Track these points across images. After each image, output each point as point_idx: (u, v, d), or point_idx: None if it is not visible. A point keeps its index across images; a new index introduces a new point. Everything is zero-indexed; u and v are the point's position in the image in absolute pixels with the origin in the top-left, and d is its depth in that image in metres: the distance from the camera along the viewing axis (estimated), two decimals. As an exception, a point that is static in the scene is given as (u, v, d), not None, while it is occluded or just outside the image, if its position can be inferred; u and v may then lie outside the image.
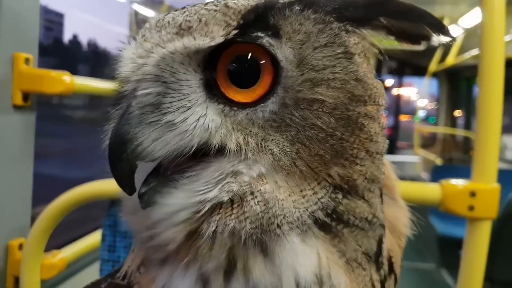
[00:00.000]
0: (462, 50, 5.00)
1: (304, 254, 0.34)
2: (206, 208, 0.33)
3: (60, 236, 1.48)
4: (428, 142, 7.63)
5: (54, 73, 1.24)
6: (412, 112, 9.91)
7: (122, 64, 0.36)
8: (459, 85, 7.21)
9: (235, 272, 0.33)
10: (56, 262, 1.25)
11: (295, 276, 0.34)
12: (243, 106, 0.35)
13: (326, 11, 0.35)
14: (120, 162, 0.34)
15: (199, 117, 0.34)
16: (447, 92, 7.48)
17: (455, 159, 6.26)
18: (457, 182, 1.07)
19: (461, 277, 1.07)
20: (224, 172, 0.34)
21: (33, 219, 1.23)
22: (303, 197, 0.34)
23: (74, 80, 1.28)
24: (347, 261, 0.36)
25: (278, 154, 0.34)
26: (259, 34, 0.34)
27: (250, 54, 0.34)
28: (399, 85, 8.35)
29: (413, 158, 6.57)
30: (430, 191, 1.09)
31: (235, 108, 0.35)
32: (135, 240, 0.41)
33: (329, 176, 0.34)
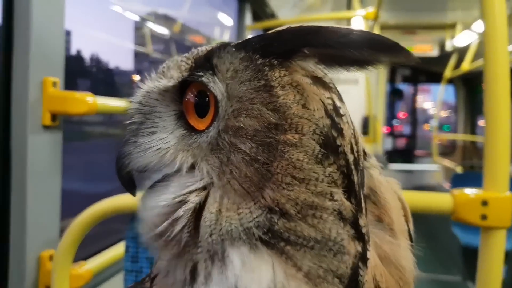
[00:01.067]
0: (477, 55, 4.96)
1: (252, 270, 0.37)
2: (157, 215, 0.41)
3: (88, 248, 1.55)
4: (448, 150, 7.52)
5: (78, 94, 1.32)
6: (426, 120, 9.78)
7: (131, 102, 0.46)
8: (476, 91, 7.12)
9: (198, 280, 0.39)
10: (83, 273, 1.31)
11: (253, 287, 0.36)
12: (199, 132, 0.42)
13: (254, 48, 0.40)
14: (120, 171, 0.45)
15: (159, 140, 0.43)
16: (465, 98, 7.38)
17: (477, 167, 6.13)
18: (469, 191, 1.07)
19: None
20: (176, 185, 0.41)
21: (61, 231, 1.30)
22: (238, 214, 0.37)
23: (96, 101, 1.36)
24: (306, 275, 0.37)
25: (212, 172, 0.39)
26: (200, 73, 0.41)
27: (201, 90, 0.42)
28: (414, 92, 8.26)
29: (433, 166, 6.49)
30: (441, 200, 1.08)
31: (192, 133, 0.42)
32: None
33: (262, 197, 0.37)
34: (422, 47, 6.30)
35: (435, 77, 6.85)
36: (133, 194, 0.47)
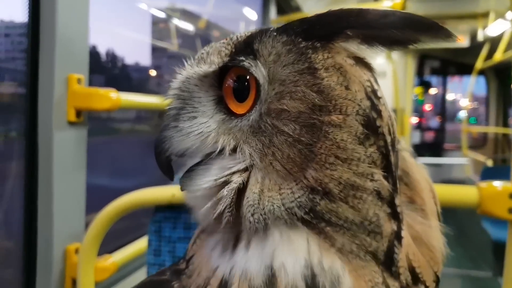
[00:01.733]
0: (510, 45, 4.79)
1: (289, 243, 0.39)
2: (201, 195, 0.43)
3: (113, 242, 1.58)
4: (479, 143, 7.33)
5: (102, 91, 1.34)
6: (455, 113, 9.53)
7: (170, 88, 0.48)
8: (509, 82, 6.89)
9: (239, 246, 0.42)
10: (108, 266, 1.34)
11: (282, 261, 0.38)
12: (238, 116, 0.43)
13: (296, 32, 0.41)
14: (159, 156, 0.47)
15: (200, 124, 0.44)
16: (497, 90, 7.15)
17: (509, 160, 5.95)
18: (496, 184, 1.05)
19: (505, 283, 1.04)
20: (218, 167, 0.43)
21: (87, 225, 1.33)
22: (280, 194, 0.39)
23: (120, 97, 1.38)
24: (340, 250, 0.39)
25: (254, 155, 0.41)
26: (243, 58, 0.42)
27: (240, 75, 0.43)
28: (443, 85, 8.06)
29: (462, 160, 6.34)
30: (467, 193, 1.07)
31: (232, 117, 0.43)
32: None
33: (304, 178, 0.38)
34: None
35: (465, 69, 6.67)
36: (171, 178, 0.48)
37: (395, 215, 0.40)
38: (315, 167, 0.38)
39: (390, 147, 0.40)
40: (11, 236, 1.44)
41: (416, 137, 7.39)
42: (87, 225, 1.32)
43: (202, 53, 0.46)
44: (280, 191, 0.39)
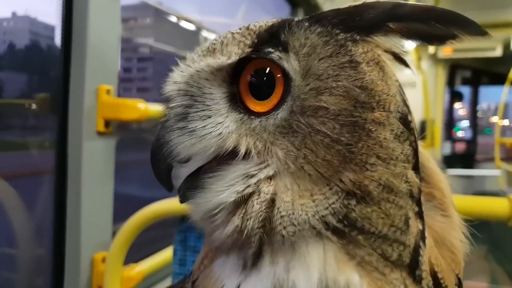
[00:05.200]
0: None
1: (305, 256, 0.36)
2: (219, 209, 0.37)
3: (141, 251, 1.59)
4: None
5: (130, 101, 1.37)
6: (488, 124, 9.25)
7: (167, 84, 0.41)
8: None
9: (262, 261, 0.37)
10: (134, 275, 1.35)
11: (302, 276, 0.35)
12: (259, 115, 0.38)
13: (332, 23, 0.38)
14: (158, 162, 0.40)
15: (217, 124, 0.39)
16: (531, 100, 6.92)
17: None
18: None
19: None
20: (238, 175, 0.37)
21: (114, 234, 1.34)
22: (313, 201, 0.35)
23: (148, 107, 1.40)
24: (360, 262, 0.36)
25: (285, 158, 0.36)
26: (270, 50, 0.37)
27: (265, 68, 0.38)
28: (475, 95, 7.84)
29: (495, 172, 6.14)
30: (497, 205, 1.03)
31: (252, 117, 0.38)
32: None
33: (340, 181, 0.35)
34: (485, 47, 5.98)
35: (498, 79, 6.48)
36: (170, 188, 0.42)
37: (420, 214, 0.38)
38: (354, 169, 0.35)
39: (418, 141, 0.39)
40: (41, 244, 1.47)
41: (447, 148, 7.21)
42: (114, 234, 1.33)
43: (214, 44, 0.40)
44: (313, 197, 0.35)
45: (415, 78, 5.11)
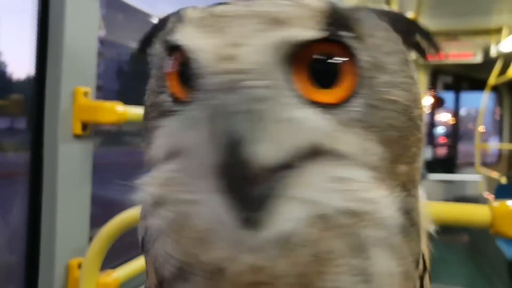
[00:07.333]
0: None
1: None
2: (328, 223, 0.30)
3: (118, 258, 1.56)
4: (492, 160, 7.23)
5: (108, 104, 1.34)
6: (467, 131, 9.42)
7: (196, 54, 0.30)
8: (523, 98, 6.81)
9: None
10: (110, 281, 1.32)
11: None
12: (330, 106, 0.32)
13: (390, 20, 0.38)
14: (246, 170, 0.28)
15: (305, 116, 0.31)
16: (510, 106, 7.08)
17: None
18: (510, 203, 1.01)
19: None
20: (332, 178, 0.30)
21: (91, 240, 1.31)
22: (391, 197, 0.33)
23: (126, 110, 1.37)
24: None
25: (369, 155, 0.32)
26: (345, 34, 0.33)
27: (332, 54, 0.33)
28: (456, 100, 7.99)
29: (475, 177, 6.25)
30: (479, 212, 1.03)
31: (321, 108, 0.32)
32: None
33: (398, 174, 0.34)
34: (465, 53, 6.09)
35: (478, 85, 6.61)
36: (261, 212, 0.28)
37: None
38: (408, 161, 0.35)
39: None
40: (14, 250, 1.42)
41: (428, 153, 7.31)
42: (91, 239, 1.30)
43: (279, 13, 0.31)
44: (389, 191, 0.32)
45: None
